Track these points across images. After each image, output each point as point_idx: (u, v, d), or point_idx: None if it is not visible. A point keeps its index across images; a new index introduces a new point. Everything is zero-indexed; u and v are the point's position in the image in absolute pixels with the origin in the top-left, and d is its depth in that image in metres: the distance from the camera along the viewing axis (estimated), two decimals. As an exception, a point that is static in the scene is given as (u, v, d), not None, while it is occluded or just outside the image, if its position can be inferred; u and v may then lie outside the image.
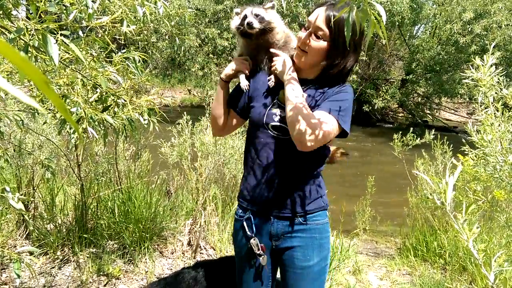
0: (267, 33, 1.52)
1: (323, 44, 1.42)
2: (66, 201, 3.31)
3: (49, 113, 1.72)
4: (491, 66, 1.26)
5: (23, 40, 1.25)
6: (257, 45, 1.56)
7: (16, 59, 0.25)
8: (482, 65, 1.24)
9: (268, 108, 1.52)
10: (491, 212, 2.76)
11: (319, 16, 1.41)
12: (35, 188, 3.08)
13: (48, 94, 0.27)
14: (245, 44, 1.60)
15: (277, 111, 1.50)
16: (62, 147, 3.21)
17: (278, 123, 1.48)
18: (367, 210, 4.08)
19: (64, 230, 3.09)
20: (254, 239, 1.54)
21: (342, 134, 1.43)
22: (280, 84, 1.52)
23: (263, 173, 1.53)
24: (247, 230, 1.57)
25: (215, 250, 3.34)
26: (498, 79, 1.23)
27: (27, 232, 3.11)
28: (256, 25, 1.47)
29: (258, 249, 1.53)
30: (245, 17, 1.50)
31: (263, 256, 1.54)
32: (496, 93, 1.25)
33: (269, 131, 1.51)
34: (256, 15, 1.50)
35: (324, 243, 1.55)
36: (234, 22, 1.56)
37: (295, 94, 1.40)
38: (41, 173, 3.04)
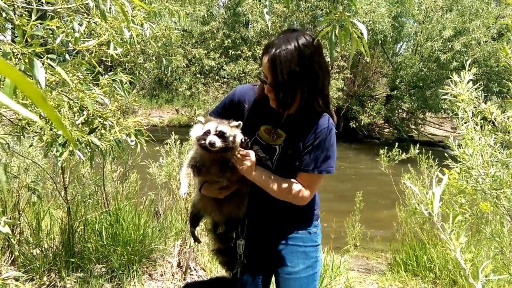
0: (227, 151, 1.48)
1: (273, 88, 1.43)
2: (52, 225, 3.25)
3: (35, 135, 1.71)
4: (469, 82, 1.30)
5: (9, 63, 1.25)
6: (213, 159, 1.52)
7: (14, 77, 0.27)
8: (460, 82, 1.28)
9: (250, 143, 1.56)
10: (478, 224, 2.80)
11: (263, 63, 1.43)
12: (20, 212, 3.02)
13: (44, 109, 0.29)
14: (201, 154, 1.55)
15: (257, 150, 1.54)
16: (48, 170, 3.17)
17: (258, 158, 1.53)
18: (357, 226, 4.09)
19: (51, 254, 3.02)
20: (241, 240, 1.70)
21: None
22: (260, 120, 1.56)
23: (255, 186, 1.63)
24: (239, 231, 1.72)
25: (205, 271, 3.30)
26: (477, 94, 1.28)
27: (12, 258, 3.03)
28: (218, 144, 1.43)
29: (240, 250, 1.69)
30: (208, 132, 1.46)
31: (242, 258, 1.69)
32: (475, 107, 1.30)
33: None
34: (220, 134, 1.44)
35: (309, 251, 1.63)
36: (196, 132, 1.51)
37: (264, 180, 1.51)
38: (26, 196, 2.99)
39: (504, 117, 1.22)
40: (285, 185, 1.51)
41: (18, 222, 2.99)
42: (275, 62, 1.36)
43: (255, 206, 1.68)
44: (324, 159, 1.49)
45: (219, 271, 3.29)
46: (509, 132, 1.25)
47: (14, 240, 2.91)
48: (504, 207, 1.32)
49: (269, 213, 1.65)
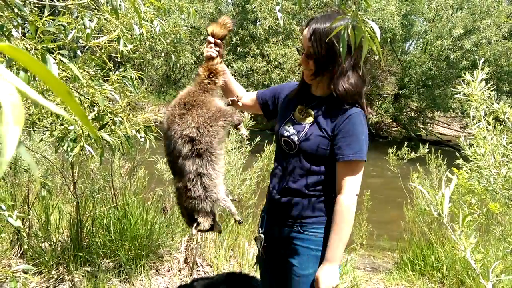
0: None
1: (309, 58, 1.51)
2: (61, 219, 3.28)
3: (47, 130, 1.73)
4: (481, 81, 1.29)
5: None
6: None
7: (42, 73, 0.27)
8: (473, 81, 1.27)
9: (284, 123, 1.64)
10: (487, 225, 2.78)
11: (303, 36, 1.52)
12: (30, 207, 3.06)
13: (70, 104, 0.29)
14: None
15: (290, 128, 1.60)
16: (58, 165, 3.20)
17: (286, 137, 1.59)
18: (364, 224, 4.08)
19: (59, 248, 3.05)
20: (260, 236, 1.71)
21: None
22: (297, 100, 1.64)
23: (275, 180, 1.67)
24: (259, 225, 1.77)
25: (211, 267, 3.31)
26: (489, 94, 1.26)
27: (21, 251, 3.07)
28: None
29: (260, 245, 1.71)
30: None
31: (261, 253, 1.72)
32: (487, 107, 1.28)
33: (282, 144, 1.63)
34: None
35: (320, 256, 1.58)
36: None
37: (342, 244, 1.51)
38: (36, 191, 3.02)
39: (517, 117, 1.20)
40: (343, 220, 1.50)
41: (29, 216, 3.02)
42: (314, 34, 1.45)
43: (271, 203, 1.69)
44: (357, 145, 1.49)
45: (226, 268, 3.30)
46: (521, 132, 1.24)
47: (24, 233, 2.95)
48: (515, 208, 1.31)
49: (284, 212, 1.64)
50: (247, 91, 1.93)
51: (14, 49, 0.27)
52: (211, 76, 1.61)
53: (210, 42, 1.61)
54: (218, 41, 1.63)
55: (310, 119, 1.58)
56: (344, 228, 1.48)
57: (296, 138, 1.56)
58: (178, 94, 1.63)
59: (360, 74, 1.53)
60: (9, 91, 0.25)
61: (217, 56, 1.63)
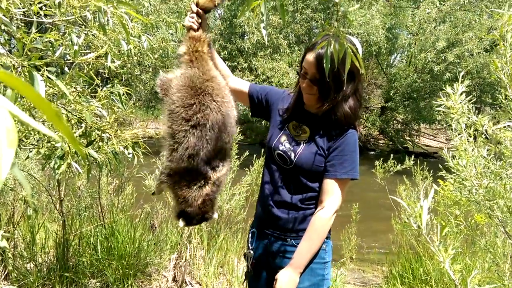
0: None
1: (314, 84, 1.52)
2: (47, 239, 3.23)
3: (34, 147, 1.71)
4: (462, 94, 1.33)
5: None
6: None
7: (33, 96, 0.28)
8: (453, 93, 1.31)
9: (279, 136, 1.64)
10: (473, 236, 2.81)
11: (307, 60, 1.52)
12: (15, 226, 3.00)
13: (59, 126, 0.30)
14: None
15: (285, 142, 1.61)
16: (44, 183, 3.16)
17: (281, 152, 1.60)
18: (353, 238, 4.09)
19: (45, 269, 2.99)
20: (249, 252, 1.69)
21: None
22: (290, 115, 1.65)
23: (266, 193, 1.66)
24: (249, 241, 1.73)
25: (201, 285, 3.27)
26: (468, 106, 1.30)
27: (5, 272, 3.00)
28: None
29: (249, 262, 1.68)
30: None
31: (250, 270, 1.69)
32: (467, 119, 1.32)
33: (275, 157, 1.63)
34: None
35: (315, 268, 1.58)
36: None
37: (307, 252, 1.52)
38: (21, 210, 2.97)
39: (495, 129, 1.24)
40: (318, 233, 1.51)
41: (14, 236, 2.96)
42: (321, 59, 1.42)
43: (264, 216, 1.68)
44: (351, 164, 1.53)
45: (215, 286, 3.27)
46: (500, 143, 1.27)
47: (9, 254, 2.89)
48: (498, 218, 1.33)
49: (278, 225, 1.63)
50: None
51: (6, 75, 0.28)
52: (192, 47, 1.47)
53: (192, 12, 1.49)
54: (201, 11, 1.50)
55: (305, 136, 1.60)
56: (315, 240, 1.51)
57: (292, 155, 1.58)
58: (171, 79, 1.47)
59: (358, 98, 1.56)
60: (3, 116, 0.27)
61: (198, 29, 1.49)
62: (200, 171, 1.41)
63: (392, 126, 15.58)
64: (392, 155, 3.85)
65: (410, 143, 15.66)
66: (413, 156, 3.74)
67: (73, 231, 3.13)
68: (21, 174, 0.31)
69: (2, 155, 0.27)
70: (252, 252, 1.70)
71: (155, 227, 3.80)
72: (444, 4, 13.04)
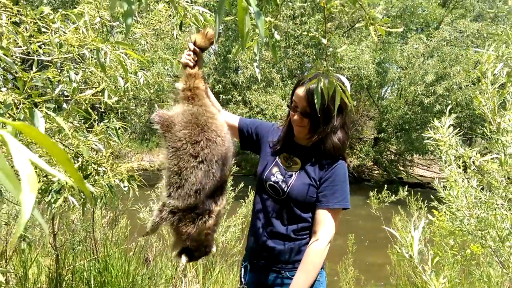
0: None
1: (305, 116, 1.57)
2: (39, 274, 3.16)
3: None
4: (449, 127, 1.38)
5: (9, 114, 1.30)
6: None
7: (46, 143, 0.32)
8: (441, 127, 1.36)
9: (270, 167, 1.67)
10: (469, 266, 2.81)
11: (297, 94, 1.57)
12: (7, 261, 2.94)
13: (68, 170, 0.33)
14: None
15: (277, 174, 1.63)
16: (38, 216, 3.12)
17: (273, 183, 1.62)
18: (350, 270, 4.04)
19: (36, 305, 2.92)
20: (242, 287, 1.68)
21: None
22: (280, 147, 1.68)
23: (259, 225, 1.67)
24: (242, 276, 1.72)
25: (196, 320, 3.20)
26: (456, 140, 1.35)
27: (-5, 310, 2.92)
28: None
29: None
30: None
31: None
32: (456, 150, 1.36)
33: (266, 188, 1.65)
34: None
35: None
36: None
37: (305, 283, 1.52)
38: (14, 244, 2.93)
39: (482, 161, 1.28)
40: (314, 263, 1.52)
41: (6, 271, 2.90)
42: (312, 94, 1.45)
43: (257, 248, 1.68)
44: (342, 194, 1.57)
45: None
46: (489, 174, 1.31)
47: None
48: (491, 247, 1.35)
49: (272, 256, 1.63)
50: None
51: (26, 127, 0.32)
52: (191, 84, 1.51)
53: (189, 49, 1.54)
54: (198, 49, 1.54)
55: (297, 167, 1.63)
56: (312, 271, 1.52)
57: (284, 186, 1.60)
58: (173, 116, 1.47)
59: (346, 130, 1.62)
60: (24, 163, 0.30)
61: (194, 66, 1.54)
62: (205, 205, 1.42)
63: (385, 156, 15.70)
64: (386, 185, 3.88)
65: (404, 173, 15.74)
66: (407, 187, 3.77)
67: (66, 266, 3.08)
68: (41, 217, 0.34)
69: (25, 199, 0.29)
70: (245, 287, 1.69)
71: (149, 261, 3.74)
72: (431, 40, 13.49)
